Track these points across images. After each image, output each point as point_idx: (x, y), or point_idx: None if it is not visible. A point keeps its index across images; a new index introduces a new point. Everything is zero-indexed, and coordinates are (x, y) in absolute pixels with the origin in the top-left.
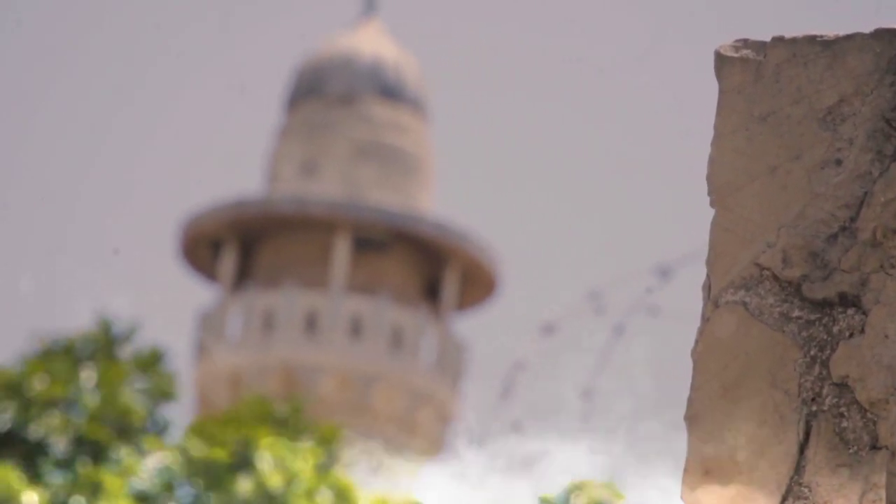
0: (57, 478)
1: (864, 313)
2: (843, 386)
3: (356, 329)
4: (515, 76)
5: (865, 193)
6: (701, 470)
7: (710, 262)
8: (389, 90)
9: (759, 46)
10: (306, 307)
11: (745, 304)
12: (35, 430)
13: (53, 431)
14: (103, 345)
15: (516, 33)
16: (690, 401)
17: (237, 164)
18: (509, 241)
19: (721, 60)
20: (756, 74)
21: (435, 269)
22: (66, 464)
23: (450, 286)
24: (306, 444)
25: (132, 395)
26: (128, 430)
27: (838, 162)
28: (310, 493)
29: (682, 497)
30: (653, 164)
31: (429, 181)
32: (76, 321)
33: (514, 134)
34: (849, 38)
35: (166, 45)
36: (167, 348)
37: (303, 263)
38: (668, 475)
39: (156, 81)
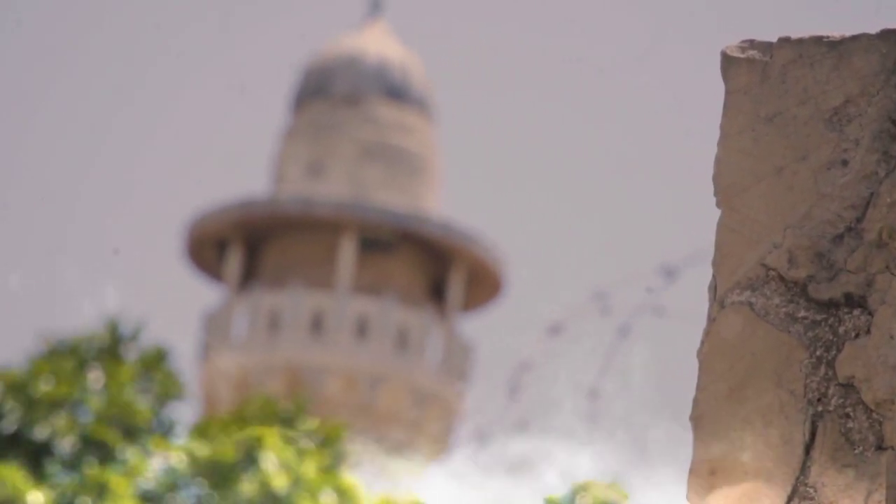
0: (63, 478)
1: (870, 314)
2: (848, 386)
3: (362, 329)
4: (521, 77)
5: (871, 194)
6: (707, 470)
7: (716, 263)
8: (395, 91)
9: (766, 47)
10: (312, 307)
11: (750, 304)
12: (41, 431)
13: (59, 432)
14: (109, 345)
15: (521, 34)
16: (696, 401)
17: (240, 165)
18: (515, 242)
19: (727, 61)
20: (762, 75)
21: (441, 270)
22: (71, 464)
23: (455, 287)
24: (311, 444)
25: (138, 396)
26: (133, 431)
27: (844, 163)
28: (314, 494)
29: (687, 497)
30: (659, 165)
31: (434, 182)
32: (80, 322)
33: (520, 135)
34: (855, 38)
35: (167, 45)
36: (172, 348)
37: (308, 264)
38: (673, 475)
39: (156, 81)
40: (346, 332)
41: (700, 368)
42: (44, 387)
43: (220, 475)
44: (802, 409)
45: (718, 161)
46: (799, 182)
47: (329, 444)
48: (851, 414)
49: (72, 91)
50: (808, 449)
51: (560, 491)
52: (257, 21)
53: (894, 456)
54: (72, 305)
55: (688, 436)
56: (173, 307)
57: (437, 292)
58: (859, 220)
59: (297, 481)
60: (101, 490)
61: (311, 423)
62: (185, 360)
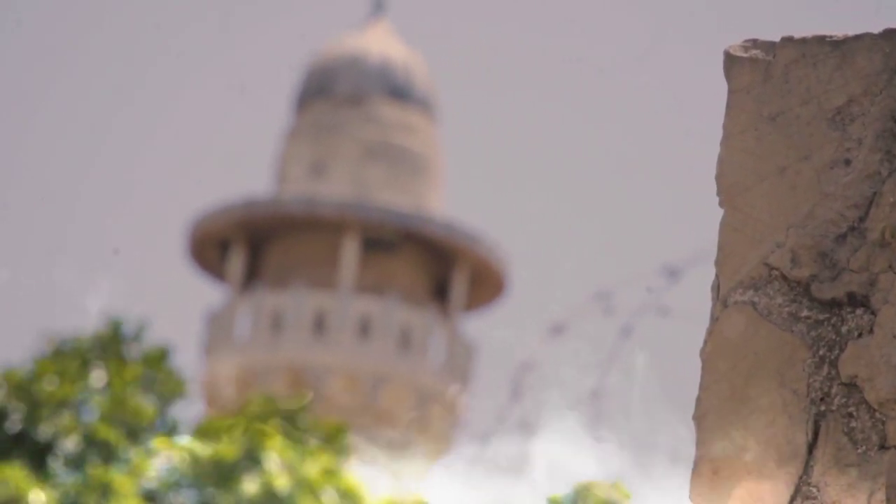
0: (66, 478)
1: (873, 313)
2: (851, 386)
3: (364, 329)
4: (523, 77)
5: (874, 193)
6: (709, 470)
7: (719, 263)
8: (398, 91)
9: (769, 46)
10: (315, 307)
11: (753, 304)
12: (45, 431)
13: (63, 431)
14: (111, 345)
15: (524, 33)
16: (699, 401)
17: (242, 165)
18: (518, 242)
19: (730, 60)
20: (765, 74)
21: (443, 270)
22: (75, 464)
23: (458, 286)
24: (313, 443)
25: (141, 395)
26: (136, 430)
27: (847, 162)
28: (317, 494)
29: (690, 497)
30: (662, 165)
31: (437, 181)
32: (82, 322)
33: (523, 134)
34: (858, 38)
35: (167, 45)
36: (175, 348)
37: (311, 264)
38: (676, 475)
39: (157, 81)
40: (349, 332)
41: (703, 368)
42: (48, 387)
43: (222, 475)
44: (805, 409)
45: (721, 160)
46: (802, 181)
47: (331, 442)
48: (854, 413)
49: (72, 91)
50: (810, 448)
51: (562, 491)
52: (259, 21)
53: None
54: (74, 305)
55: (691, 435)
56: (176, 307)
57: (439, 292)
58: (862, 219)
59: (299, 481)
60: (104, 489)
61: (312, 420)
62: (187, 360)
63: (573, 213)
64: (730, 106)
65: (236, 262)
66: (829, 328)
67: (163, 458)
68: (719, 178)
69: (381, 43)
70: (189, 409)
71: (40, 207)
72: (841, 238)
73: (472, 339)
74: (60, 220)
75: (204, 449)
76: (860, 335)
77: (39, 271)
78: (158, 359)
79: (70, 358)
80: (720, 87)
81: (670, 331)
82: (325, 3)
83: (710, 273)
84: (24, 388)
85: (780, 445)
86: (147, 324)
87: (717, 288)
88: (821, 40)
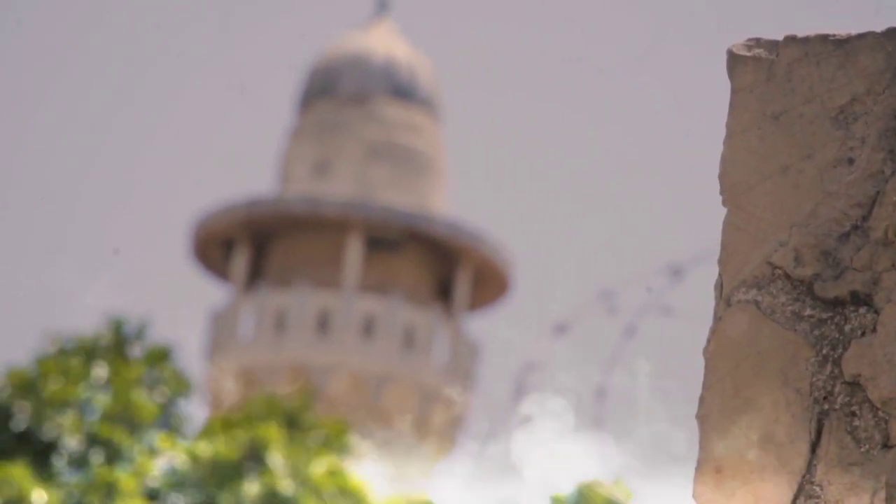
0: (70, 477)
1: (876, 312)
2: (854, 384)
3: (368, 329)
4: (527, 77)
5: (878, 192)
6: (712, 468)
7: (722, 262)
8: (402, 90)
9: (772, 45)
10: (318, 307)
11: (756, 302)
12: (49, 430)
13: (67, 431)
14: (114, 344)
15: (528, 33)
16: (702, 399)
17: (245, 165)
18: (521, 242)
19: (733, 59)
20: (768, 73)
21: (447, 269)
22: (78, 463)
23: (462, 286)
24: (316, 443)
25: (144, 394)
26: (139, 429)
27: (850, 161)
28: (320, 494)
29: (693, 496)
30: (665, 164)
31: (441, 181)
32: (85, 321)
33: (527, 134)
34: (861, 37)
35: (168, 45)
36: (178, 347)
37: (315, 263)
38: (678, 474)
39: (158, 81)
40: (353, 332)
41: (706, 367)
42: (52, 386)
43: (225, 475)
44: (808, 408)
45: (724, 159)
46: (805, 180)
47: (333, 442)
48: (857, 412)
49: (73, 91)
50: (813, 447)
51: (565, 490)
52: (263, 20)
53: None
54: (75, 305)
55: (694, 434)
56: (179, 306)
57: (443, 292)
58: (865, 218)
59: (303, 481)
60: (108, 489)
61: (315, 420)
62: (191, 360)
63: (576, 213)
64: (733, 105)
65: (240, 262)
66: (833, 327)
67: (166, 458)
68: (722, 177)
69: (384, 42)
70: (192, 409)
71: (41, 207)
72: (844, 237)
73: (476, 338)
74: (62, 220)
75: (207, 449)
76: (863, 334)
77: (41, 271)
78: (161, 358)
79: (73, 357)
80: (722, 87)
81: (673, 330)
82: (330, 2)
83: (713, 272)
84: (28, 388)
85: (783, 444)
86: (148, 323)
87: (720, 287)
88: (824, 39)
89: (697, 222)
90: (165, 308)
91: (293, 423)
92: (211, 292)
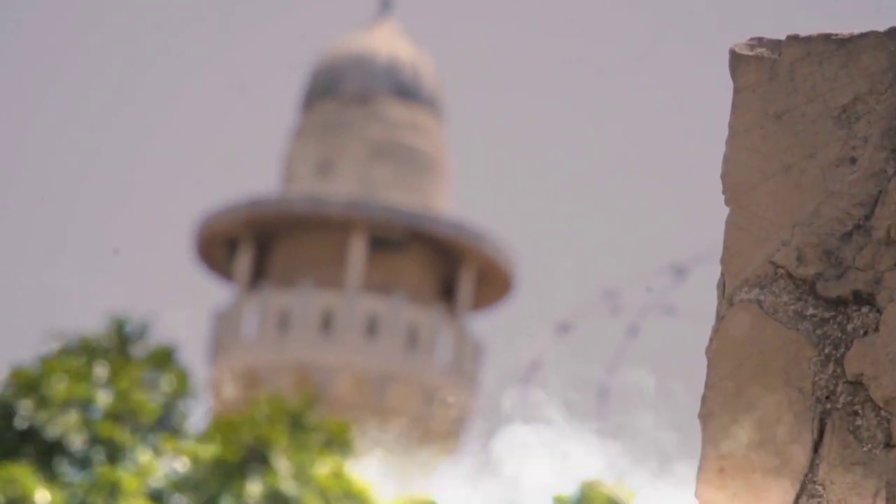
0: (74, 476)
1: (879, 311)
2: (857, 384)
3: (371, 329)
4: (531, 77)
5: (880, 192)
6: (715, 468)
7: (725, 261)
8: (405, 90)
9: (774, 45)
10: (322, 307)
11: (759, 302)
12: (52, 429)
13: (70, 430)
14: (117, 344)
15: (532, 33)
16: (705, 399)
17: (249, 165)
18: (525, 241)
19: (736, 59)
20: (771, 73)
21: (450, 269)
22: (81, 463)
23: (465, 286)
24: (319, 443)
25: (146, 393)
26: (142, 429)
27: (853, 160)
28: (324, 494)
29: (696, 495)
30: (668, 164)
31: (444, 181)
32: (87, 321)
33: (530, 134)
34: (863, 36)
35: (170, 45)
36: (182, 347)
37: (318, 263)
38: (681, 474)
39: (159, 81)
40: (356, 331)
41: (709, 366)
42: (55, 385)
43: (228, 475)
44: (811, 407)
45: (726, 159)
46: (807, 180)
47: (337, 441)
48: (860, 411)
49: (74, 91)
50: (816, 447)
51: (569, 490)
52: (266, 20)
53: None
54: (77, 305)
55: (696, 434)
56: (183, 306)
57: (446, 291)
58: (868, 217)
59: (306, 482)
60: (112, 489)
61: (319, 420)
62: (194, 359)
63: (579, 213)
64: (735, 104)
65: (243, 262)
66: (835, 326)
67: (169, 459)
68: (725, 176)
69: (388, 42)
70: (195, 409)
71: (42, 207)
72: (846, 236)
73: (479, 338)
74: (63, 220)
75: (210, 449)
76: (866, 333)
77: (42, 271)
78: (165, 358)
79: (76, 356)
80: (724, 86)
81: (676, 329)
82: (333, 2)
83: (716, 271)
84: (31, 387)
85: (785, 444)
86: (150, 323)
87: (722, 286)
88: (826, 39)
89: (700, 222)
90: (168, 308)
91: (297, 424)
92: (214, 292)
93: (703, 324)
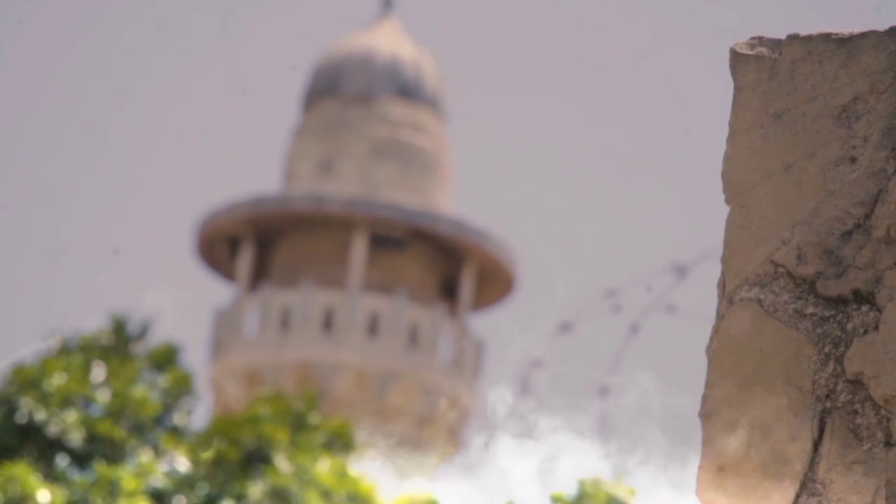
0: (74, 475)
1: (879, 310)
2: (857, 382)
3: (373, 327)
4: (533, 75)
5: (880, 191)
6: (715, 466)
7: (725, 260)
8: (407, 89)
9: (775, 44)
10: (323, 305)
11: (759, 301)
12: (53, 427)
13: (70, 428)
14: (117, 342)
15: (534, 32)
16: (705, 398)
17: (250, 163)
18: (526, 240)
19: (736, 58)
20: (771, 72)
21: (452, 268)
22: (80, 461)
23: (467, 284)
24: (321, 442)
25: (147, 393)
26: (143, 428)
27: (853, 159)
28: (326, 493)
29: (696, 494)
30: (668, 163)
31: (446, 180)
32: (89, 320)
33: (532, 133)
34: (863, 35)
35: (171, 43)
36: (183, 345)
37: (320, 262)
38: (681, 472)
39: (162, 80)
40: (358, 330)
41: (709, 365)
42: (57, 382)
43: (229, 475)
44: (811, 406)
45: (727, 158)
46: (807, 179)
47: (338, 440)
48: (860, 410)
49: (74, 90)
50: (816, 445)
51: (569, 488)
52: (268, 19)
53: None
54: (78, 304)
55: (697, 432)
56: (184, 305)
57: (448, 290)
58: (868, 216)
59: (308, 481)
60: (112, 488)
61: (321, 419)
62: (196, 358)
63: (581, 212)
64: (735, 103)
65: (244, 260)
66: (835, 325)
67: (170, 458)
68: (725, 175)
69: (389, 41)
70: (197, 408)
71: (42, 206)
72: (846, 235)
73: (481, 336)
74: (64, 219)
75: (211, 449)
76: (865, 332)
77: (42, 270)
78: (168, 357)
79: (76, 355)
80: (725, 85)
81: (678, 328)
82: (335, 1)
83: (717, 270)
84: (32, 385)
85: (785, 442)
86: (152, 322)
87: (722, 285)
88: (826, 38)
89: (701, 221)
90: (170, 306)
91: (298, 423)
92: (215, 291)
93: (703, 323)
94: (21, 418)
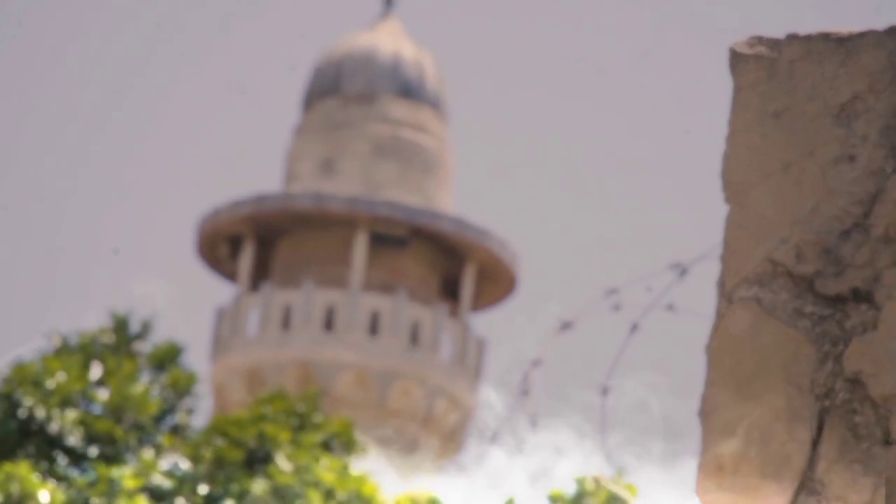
0: (73, 473)
1: (877, 309)
2: (855, 381)
3: (374, 326)
4: (534, 75)
5: (879, 190)
6: (714, 465)
7: (724, 259)
8: (408, 88)
9: (774, 44)
10: (324, 304)
11: (758, 300)
12: (54, 426)
13: (70, 427)
14: (119, 341)
15: (534, 32)
16: (704, 396)
17: (252, 163)
18: (527, 239)
19: (735, 57)
20: (770, 71)
21: (453, 267)
22: (81, 459)
23: (468, 283)
24: (322, 441)
25: (148, 392)
26: (143, 427)
27: (852, 158)
28: (328, 493)
29: (695, 492)
30: (668, 162)
31: (447, 179)
32: (90, 320)
33: (533, 132)
34: (863, 35)
35: (171, 42)
36: (185, 345)
37: (321, 261)
38: (681, 471)
39: (163, 79)
40: (359, 329)
41: (708, 364)
42: (58, 380)
43: (230, 474)
44: (810, 405)
45: (726, 157)
46: (806, 178)
47: (340, 439)
48: (858, 409)
49: (74, 89)
50: (815, 444)
51: (570, 486)
52: (269, 18)
53: None
54: (79, 304)
55: (696, 431)
56: (185, 304)
57: (449, 289)
58: (866, 215)
59: (309, 480)
60: (112, 488)
61: (322, 418)
62: (197, 357)
63: (582, 211)
64: (735, 103)
65: (246, 260)
66: (834, 324)
67: (171, 457)
68: (724, 174)
69: (391, 41)
70: (198, 407)
71: (41, 206)
72: (845, 234)
73: (482, 335)
74: (64, 219)
75: (212, 448)
76: (864, 331)
77: (42, 270)
78: (171, 356)
79: (77, 354)
80: (724, 85)
81: (679, 327)
82: (336, 1)
83: (716, 269)
84: (33, 383)
85: (784, 441)
86: (153, 321)
87: (722, 284)
88: (826, 37)
89: (701, 220)
90: (171, 306)
91: (300, 422)
92: (216, 290)
93: (703, 321)
94: (21, 417)
